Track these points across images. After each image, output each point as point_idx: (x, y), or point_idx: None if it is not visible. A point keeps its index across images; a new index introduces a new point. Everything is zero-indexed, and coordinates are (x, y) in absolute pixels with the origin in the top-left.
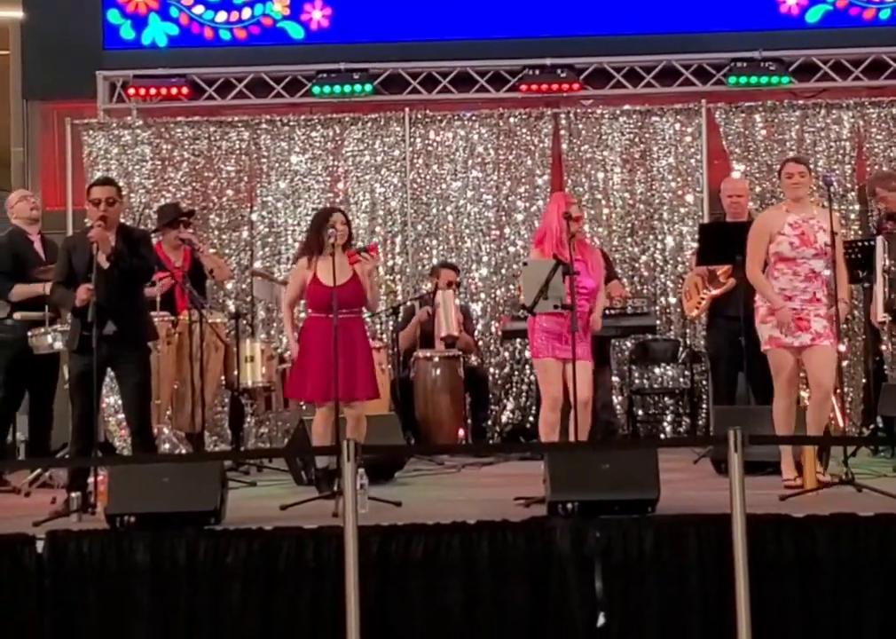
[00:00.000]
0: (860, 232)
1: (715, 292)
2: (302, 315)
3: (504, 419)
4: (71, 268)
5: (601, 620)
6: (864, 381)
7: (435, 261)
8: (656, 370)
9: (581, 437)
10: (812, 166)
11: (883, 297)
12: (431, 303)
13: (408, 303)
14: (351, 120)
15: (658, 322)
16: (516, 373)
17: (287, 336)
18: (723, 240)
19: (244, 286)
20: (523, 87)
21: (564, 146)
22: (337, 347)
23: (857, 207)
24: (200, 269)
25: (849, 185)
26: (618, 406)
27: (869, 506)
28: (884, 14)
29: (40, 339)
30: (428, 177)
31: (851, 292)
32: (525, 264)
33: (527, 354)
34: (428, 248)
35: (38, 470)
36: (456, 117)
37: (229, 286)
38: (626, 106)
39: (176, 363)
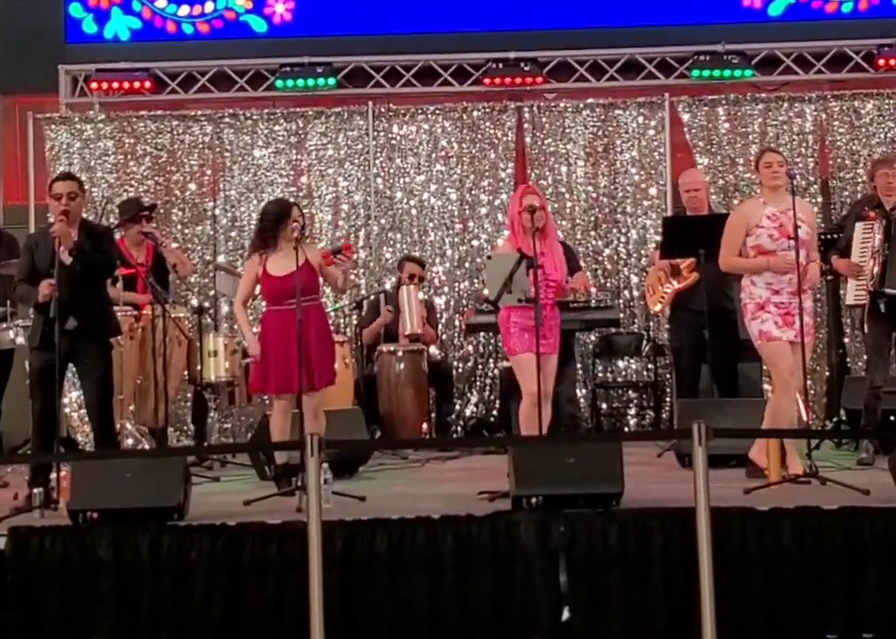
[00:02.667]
0: (822, 225)
1: (678, 286)
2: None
3: (468, 413)
4: (34, 264)
5: (565, 614)
6: (827, 373)
7: (399, 255)
8: (620, 363)
9: (545, 430)
10: None
11: (871, 278)
12: (395, 298)
13: (371, 297)
14: (315, 114)
15: (622, 315)
16: (480, 366)
17: (245, 335)
18: (686, 234)
19: (207, 280)
20: (487, 80)
21: (528, 140)
22: (295, 337)
23: (820, 199)
24: (164, 264)
25: (811, 179)
26: (582, 400)
27: (833, 499)
28: (847, 7)
29: (1, 334)
30: (391, 170)
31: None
32: (489, 257)
33: (490, 348)
34: (391, 242)
35: None
36: (419, 111)
37: (192, 280)
38: (590, 100)
39: (139, 358)
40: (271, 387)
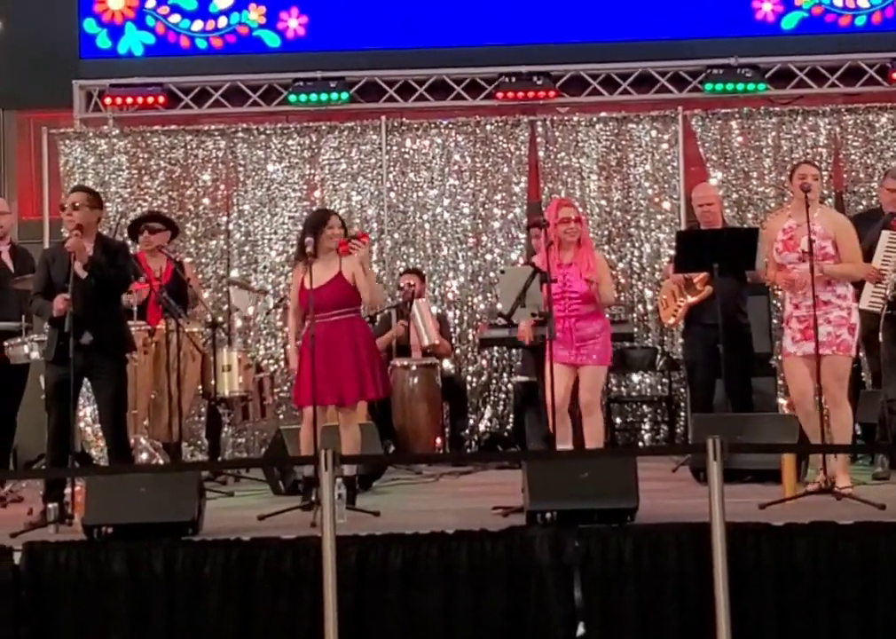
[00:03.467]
0: None
1: (692, 299)
2: None
3: (482, 427)
4: (49, 279)
5: (580, 630)
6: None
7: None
8: (634, 378)
9: (591, 444)
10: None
11: (892, 289)
12: (407, 313)
13: (385, 312)
14: (328, 128)
15: (636, 330)
16: (494, 381)
17: (290, 346)
18: (700, 248)
19: (220, 295)
20: (500, 94)
21: (541, 154)
22: (326, 350)
23: None
24: (181, 280)
25: (826, 192)
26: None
27: (849, 514)
28: (860, 21)
29: (16, 349)
30: (404, 185)
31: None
32: (503, 272)
33: (504, 362)
34: (404, 257)
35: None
36: (433, 125)
37: (206, 295)
38: (603, 114)
39: (153, 373)
40: (301, 400)
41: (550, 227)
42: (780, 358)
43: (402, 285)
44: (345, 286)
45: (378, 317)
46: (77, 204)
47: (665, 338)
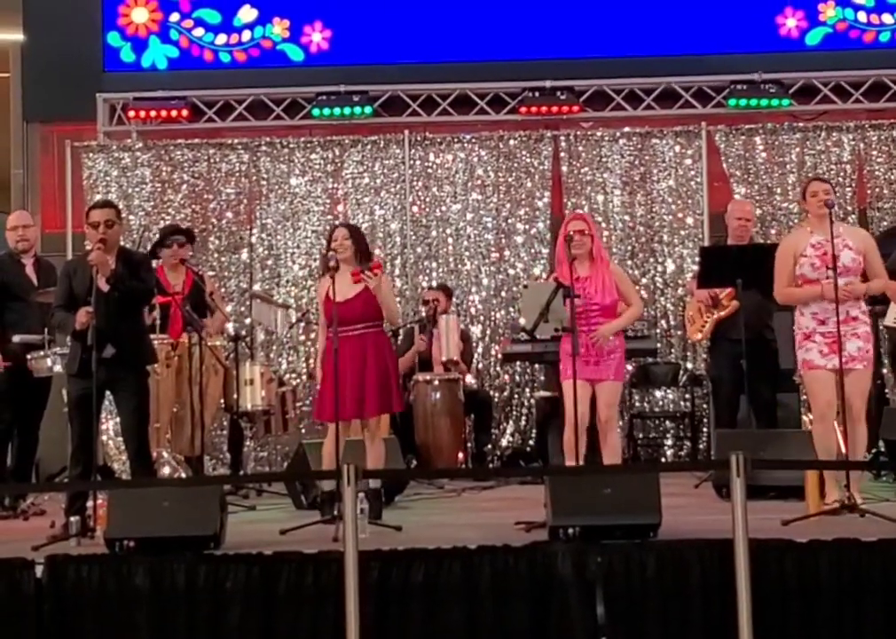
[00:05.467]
0: None
1: (720, 314)
2: None
3: (504, 442)
4: (71, 292)
5: None
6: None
7: (434, 283)
8: (657, 393)
9: (611, 459)
10: None
11: None
12: (430, 328)
13: (408, 326)
14: (351, 142)
15: (659, 345)
16: (516, 396)
17: (318, 360)
18: (724, 263)
19: (243, 309)
20: (523, 109)
21: (564, 169)
22: (351, 364)
23: None
24: (201, 291)
25: (850, 208)
26: (619, 430)
27: (872, 531)
28: (884, 37)
29: (39, 362)
30: (427, 199)
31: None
32: (525, 286)
33: (527, 377)
34: (427, 271)
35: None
36: (456, 139)
37: (228, 308)
38: (626, 129)
39: (176, 386)
40: (324, 414)
41: (560, 241)
42: (801, 372)
43: (427, 299)
44: (372, 299)
45: (401, 332)
46: (110, 221)
47: (688, 354)
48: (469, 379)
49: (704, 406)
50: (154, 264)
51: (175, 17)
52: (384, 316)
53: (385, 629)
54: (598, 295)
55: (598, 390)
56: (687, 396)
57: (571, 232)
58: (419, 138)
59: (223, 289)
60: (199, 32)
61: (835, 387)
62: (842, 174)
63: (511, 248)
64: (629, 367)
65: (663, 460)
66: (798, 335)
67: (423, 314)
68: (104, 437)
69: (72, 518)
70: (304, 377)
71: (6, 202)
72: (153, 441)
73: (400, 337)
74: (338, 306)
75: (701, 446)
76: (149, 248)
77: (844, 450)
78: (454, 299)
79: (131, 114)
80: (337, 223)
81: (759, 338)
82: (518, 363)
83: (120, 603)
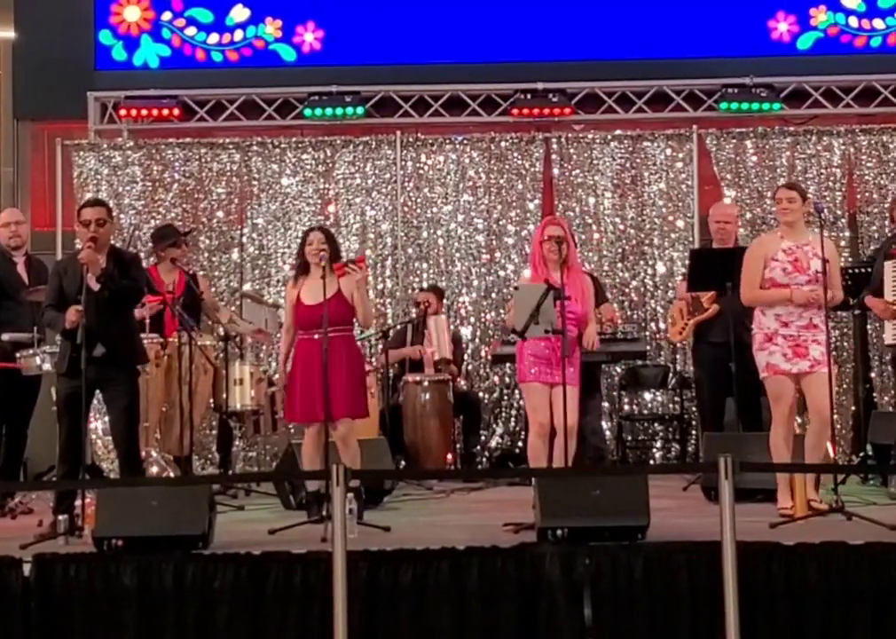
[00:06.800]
0: (850, 259)
1: (699, 317)
2: None
3: (493, 444)
4: (62, 290)
5: None
6: (854, 408)
7: (425, 285)
8: (646, 396)
9: (566, 464)
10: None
11: None
12: (420, 329)
13: (398, 327)
14: (342, 142)
15: (648, 348)
16: (506, 397)
17: (281, 362)
18: (714, 266)
19: (234, 308)
20: (515, 111)
21: (555, 171)
22: (320, 366)
23: (847, 234)
24: (194, 293)
25: (839, 212)
26: (607, 432)
27: (859, 534)
28: (875, 42)
29: (28, 360)
30: (418, 200)
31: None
32: (516, 288)
33: (516, 379)
34: (417, 272)
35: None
36: (447, 141)
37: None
38: (618, 131)
39: (165, 386)
40: (296, 415)
41: (535, 245)
42: (764, 375)
43: (419, 301)
44: (344, 303)
45: (391, 332)
46: (101, 220)
47: (678, 356)
48: (460, 382)
49: (693, 408)
50: (147, 263)
51: (167, 16)
52: (357, 316)
53: (373, 629)
54: (574, 305)
55: (557, 393)
56: (676, 398)
57: (560, 236)
58: (410, 139)
59: (213, 289)
60: (191, 31)
61: (795, 392)
62: (832, 178)
63: (502, 249)
64: (618, 369)
65: (651, 462)
66: (759, 336)
67: (413, 315)
68: (92, 436)
69: (60, 517)
70: None
71: None
72: (141, 440)
73: (390, 337)
74: (309, 309)
75: (689, 449)
76: (150, 248)
77: (832, 453)
78: (445, 300)
79: (122, 112)
80: (311, 226)
81: (740, 341)
82: (508, 364)
83: (108, 602)
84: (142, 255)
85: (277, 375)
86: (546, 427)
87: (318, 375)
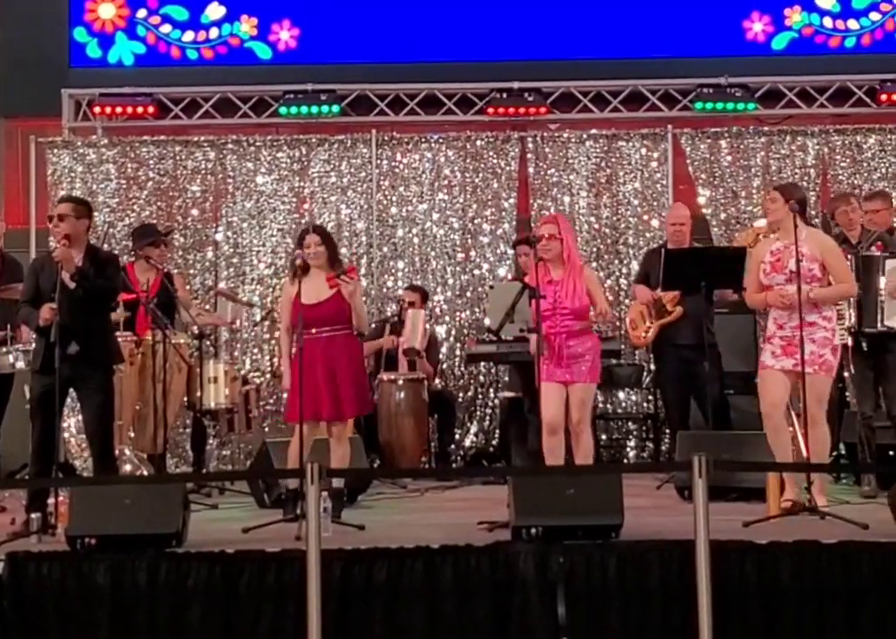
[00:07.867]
0: None
1: (665, 319)
2: None
3: (467, 443)
4: (38, 288)
5: None
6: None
7: (400, 283)
8: (620, 395)
9: (583, 460)
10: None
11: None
12: (397, 326)
13: (373, 326)
14: (318, 141)
15: (623, 347)
16: (480, 396)
17: (283, 363)
18: (688, 267)
19: (208, 306)
20: (490, 110)
21: (531, 170)
22: (323, 365)
23: None
24: (170, 292)
25: (813, 212)
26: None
27: (832, 533)
28: (850, 42)
29: (1, 358)
30: (394, 199)
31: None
32: (492, 287)
33: (491, 378)
34: (393, 270)
35: None
36: (423, 139)
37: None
38: (593, 131)
39: (139, 384)
40: (295, 415)
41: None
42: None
43: (403, 299)
44: (342, 302)
45: (372, 324)
46: (62, 215)
47: (652, 356)
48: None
49: None
50: (128, 261)
51: (142, 13)
52: (354, 322)
53: (347, 628)
54: (568, 300)
55: (570, 391)
56: (650, 397)
57: (538, 235)
58: (386, 138)
59: (187, 287)
60: (166, 28)
61: (785, 389)
62: (806, 178)
63: (477, 248)
64: None
65: (625, 461)
66: (765, 338)
67: (390, 313)
68: (66, 435)
69: (33, 515)
70: (268, 376)
71: None
72: (115, 439)
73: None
74: (308, 309)
75: (663, 448)
76: (126, 247)
77: (805, 453)
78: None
79: (97, 110)
80: (305, 226)
81: (702, 341)
82: (483, 363)
83: (81, 600)
84: (116, 252)
85: (263, 375)
86: (552, 425)
87: (323, 374)
